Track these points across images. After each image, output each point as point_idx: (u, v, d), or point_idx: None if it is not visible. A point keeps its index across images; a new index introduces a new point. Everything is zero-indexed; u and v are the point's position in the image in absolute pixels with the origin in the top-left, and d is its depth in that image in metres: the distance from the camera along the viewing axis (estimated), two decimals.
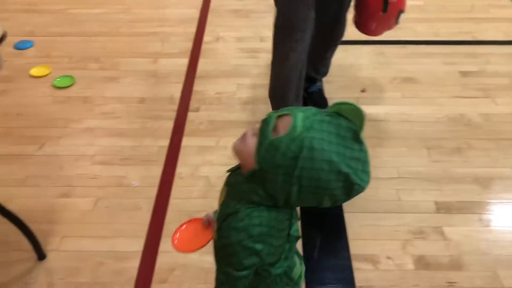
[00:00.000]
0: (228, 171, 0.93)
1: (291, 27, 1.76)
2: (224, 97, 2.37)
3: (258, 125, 0.81)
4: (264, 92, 2.09)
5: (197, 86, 2.46)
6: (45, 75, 2.53)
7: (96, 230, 1.73)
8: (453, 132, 2.15)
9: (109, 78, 2.52)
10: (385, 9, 1.71)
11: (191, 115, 2.26)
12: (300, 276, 1.02)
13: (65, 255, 1.64)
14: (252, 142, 0.79)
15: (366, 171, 0.76)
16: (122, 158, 2.03)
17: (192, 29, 2.95)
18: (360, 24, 1.88)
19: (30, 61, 2.64)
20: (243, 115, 2.25)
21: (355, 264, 1.60)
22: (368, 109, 2.04)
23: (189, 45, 2.79)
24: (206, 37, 2.87)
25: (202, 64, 2.63)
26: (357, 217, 1.75)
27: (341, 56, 2.36)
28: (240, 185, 0.85)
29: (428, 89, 2.41)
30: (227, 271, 0.86)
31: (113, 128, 2.19)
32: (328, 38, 2.06)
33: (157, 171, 1.96)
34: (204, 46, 2.78)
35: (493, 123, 2.19)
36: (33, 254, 1.63)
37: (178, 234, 1.09)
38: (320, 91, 2.31)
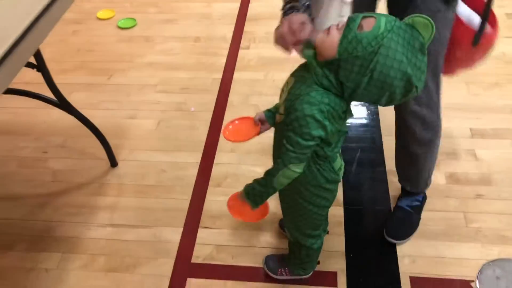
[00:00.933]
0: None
1: None
2: (272, 37, 2.53)
3: (343, 21, 0.94)
4: None
5: (248, 27, 2.63)
6: (110, 18, 2.78)
7: (159, 145, 1.97)
8: (494, 69, 2.22)
9: (167, 20, 2.74)
10: (476, 42, 1.24)
11: (242, 52, 2.45)
12: (340, 168, 1.18)
13: (133, 164, 1.90)
14: (336, 34, 0.92)
15: (422, 80, 0.91)
16: (181, 88, 2.25)
17: None
18: None
19: (96, 5, 2.89)
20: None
21: (390, 178, 1.76)
22: None
23: None
24: None
25: (253, 8, 2.79)
26: None
27: None
28: (314, 69, 0.97)
29: None
30: (296, 140, 0.99)
31: (172, 62, 2.41)
32: None
33: (211, 99, 2.17)
34: None
35: None
36: (107, 162, 1.90)
37: (230, 126, 1.26)
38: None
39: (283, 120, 1.03)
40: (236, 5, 2.82)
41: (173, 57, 2.45)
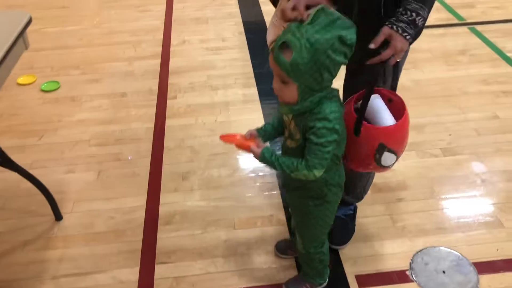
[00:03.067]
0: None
1: None
2: (197, 86, 2.73)
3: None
4: (233, 78, 2.45)
5: (172, 79, 2.80)
6: (32, 83, 2.80)
7: (103, 194, 2.01)
8: None
9: (91, 80, 2.82)
10: (356, 132, 1.24)
11: (170, 102, 2.60)
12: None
13: (79, 215, 1.92)
14: (280, 87, 1.13)
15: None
16: (115, 139, 2.33)
17: (160, 36, 3.30)
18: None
19: (15, 72, 2.89)
20: (215, 98, 2.61)
21: None
22: None
23: (159, 49, 3.14)
24: (173, 41, 3.23)
25: (173, 62, 2.98)
26: None
27: None
28: (298, 110, 1.16)
29: None
30: (318, 149, 1.15)
31: (102, 118, 2.49)
32: None
33: (147, 146, 2.27)
34: (172, 48, 3.14)
35: (421, 87, 2.66)
36: (51, 217, 1.90)
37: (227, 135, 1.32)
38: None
39: (300, 144, 1.21)
40: (157, 61, 2.99)
41: (103, 113, 2.53)
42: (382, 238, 1.79)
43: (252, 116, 2.45)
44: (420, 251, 1.73)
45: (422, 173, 2.07)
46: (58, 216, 1.90)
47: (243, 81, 2.74)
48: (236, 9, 3.67)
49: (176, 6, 3.74)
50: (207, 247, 1.76)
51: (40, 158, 2.22)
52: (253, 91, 2.66)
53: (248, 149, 1.24)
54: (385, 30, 1.17)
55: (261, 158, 1.22)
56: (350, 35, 1.05)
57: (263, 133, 1.32)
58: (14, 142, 2.33)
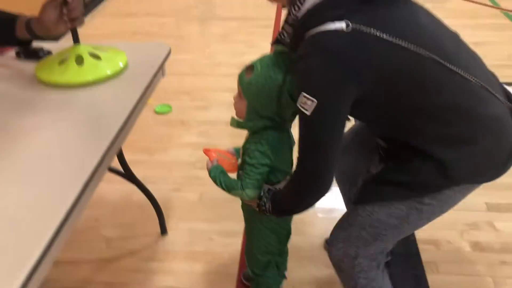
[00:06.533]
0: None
1: None
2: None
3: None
4: None
5: None
6: (148, 104, 3.05)
7: (204, 216, 2.13)
8: None
9: (199, 107, 3.02)
10: None
11: None
12: None
13: (181, 232, 2.05)
14: (238, 100, 1.27)
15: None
16: None
17: None
18: None
19: None
20: None
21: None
22: None
23: None
24: None
25: None
26: None
27: None
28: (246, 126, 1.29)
29: None
30: (250, 169, 1.27)
31: (208, 143, 2.65)
32: None
33: None
34: None
35: None
36: (157, 231, 2.04)
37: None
38: None
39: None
40: None
41: (209, 138, 2.70)
42: None
43: None
44: None
45: None
46: (163, 231, 2.04)
47: None
48: None
49: None
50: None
51: (150, 174, 2.40)
52: None
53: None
54: None
55: (209, 174, 1.35)
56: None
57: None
58: (129, 157, 2.53)
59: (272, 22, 4.30)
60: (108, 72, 1.39)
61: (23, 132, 1.16)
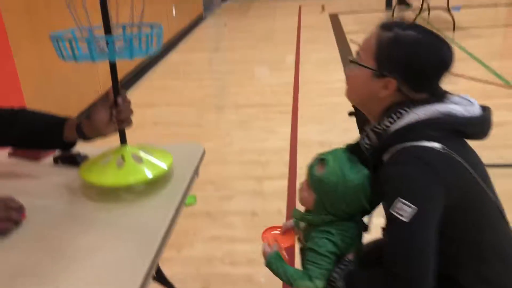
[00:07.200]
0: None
1: None
2: None
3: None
4: None
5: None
6: None
7: None
8: None
9: (224, 197, 3.01)
10: None
11: None
12: None
13: None
14: (306, 190, 1.25)
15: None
16: (247, 260, 2.40)
17: (286, 157, 3.49)
18: None
19: None
20: None
21: None
22: None
23: (286, 170, 3.30)
24: (299, 163, 3.38)
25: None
26: None
27: None
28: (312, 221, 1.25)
29: None
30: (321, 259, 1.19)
31: (234, 236, 2.60)
32: None
33: None
34: (299, 171, 3.28)
35: None
36: None
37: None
38: None
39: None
40: (284, 182, 3.13)
41: (235, 231, 2.65)
42: None
43: None
44: None
45: None
46: None
47: None
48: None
49: (300, 129, 3.97)
50: None
51: (178, 271, 2.34)
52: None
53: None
54: None
55: (267, 260, 1.28)
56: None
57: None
58: None
59: (290, 108, 4.41)
60: (149, 176, 1.38)
61: (73, 251, 1.14)
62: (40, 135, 1.41)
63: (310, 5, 10.01)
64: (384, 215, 1.12)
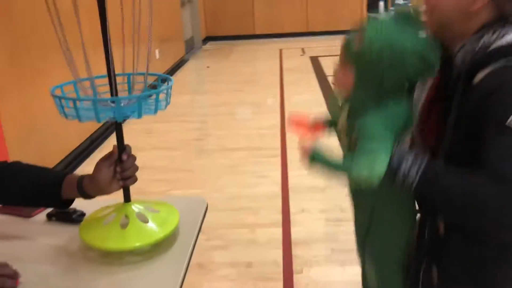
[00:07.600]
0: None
1: None
2: (322, 260, 2.70)
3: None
4: None
5: (295, 251, 2.80)
6: None
7: None
8: None
9: (216, 247, 2.90)
10: None
11: (297, 277, 2.56)
12: None
13: None
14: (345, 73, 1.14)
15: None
16: None
17: (278, 203, 3.41)
18: None
19: None
20: (344, 276, 2.54)
21: None
22: None
23: (279, 216, 3.22)
24: (292, 209, 3.31)
25: (295, 233, 3.01)
26: None
27: None
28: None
29: None
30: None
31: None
32: None
33: None
34: (292, 217, 3.21)
35: None
36: None
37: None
38: None
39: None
40: (278, 229, 3.05)
41: (231, 283, 2.54)
42: None
43: None
44: None
45: None
46: None
47: None
48: None
49: (291, 173, 3.92)
50: None
51: None
52: None
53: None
54: None
55: (310, 157, 1.09)
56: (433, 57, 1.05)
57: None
58: None
59: (279, 152, 4.37)
60: (154, 237, 1.29)
61: None
62: (36, 193, 1.32)
63: (290, 47, 10.19)
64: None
